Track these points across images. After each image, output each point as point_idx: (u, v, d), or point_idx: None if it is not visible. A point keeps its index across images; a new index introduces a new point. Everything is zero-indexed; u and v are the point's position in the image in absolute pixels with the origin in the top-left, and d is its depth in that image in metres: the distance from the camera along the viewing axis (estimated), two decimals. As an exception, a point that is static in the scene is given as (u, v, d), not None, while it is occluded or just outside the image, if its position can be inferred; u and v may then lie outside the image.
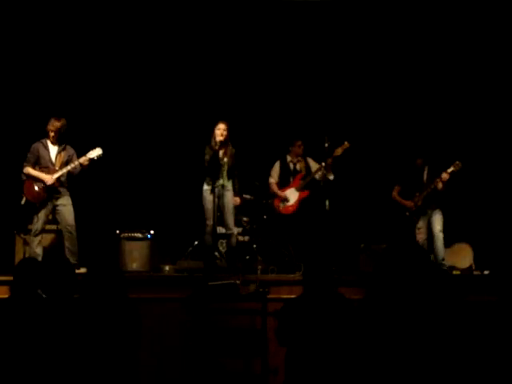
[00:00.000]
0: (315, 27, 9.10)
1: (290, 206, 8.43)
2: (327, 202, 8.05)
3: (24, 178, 7.50)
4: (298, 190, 8.45)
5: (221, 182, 7.68)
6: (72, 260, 7.17)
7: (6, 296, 4.59)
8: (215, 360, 5.90)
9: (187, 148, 8.74)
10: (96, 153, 7.45)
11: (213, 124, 7.72)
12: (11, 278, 4.56)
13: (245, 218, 8.85)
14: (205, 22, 9.06)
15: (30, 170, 7.46)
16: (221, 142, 7.59)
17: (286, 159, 8.58)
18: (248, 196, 8.69)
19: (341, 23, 9.11)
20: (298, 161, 8.52)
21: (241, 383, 6.00)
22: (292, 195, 8.44)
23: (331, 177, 8.12)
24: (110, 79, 9.15)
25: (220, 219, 7.81)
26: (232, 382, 6.01)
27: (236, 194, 8.04)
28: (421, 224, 7.90)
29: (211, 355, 5.87)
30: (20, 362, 4.12)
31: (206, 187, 7.70)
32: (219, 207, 7.67)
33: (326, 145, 8.05)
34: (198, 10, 8.98)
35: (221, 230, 8.01)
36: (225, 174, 7.70)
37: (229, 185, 7.76)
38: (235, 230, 8.02)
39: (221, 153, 7.62)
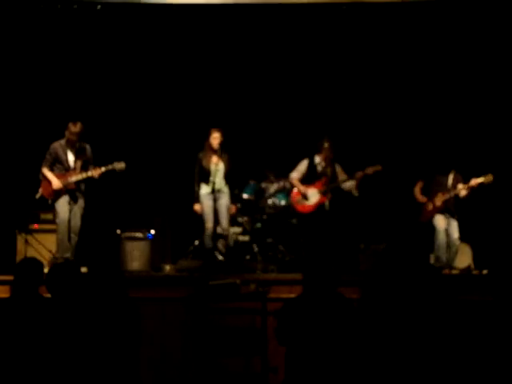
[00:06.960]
0: (322, 28, 9.08)
1: (308, 205, 8.17)
2: (327, 202, 8.06)
3: (41, 178, 7.50)
4: (321, 193, 8.13)
5: (217, 186, 7.94)
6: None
7: (7, 296, 4.61)
8: (215, 359, 5.91)
9: (188, 148, 8.75)
10: (119, 165, 7.49)
11: (212, 125, 7.90)
12: (12, 278, 4.58)
13: (245, 218, 8.86)
14: (203, 28, 9.05)
15: (45, 172, 7.46)
16: (217, 149, 7.87)
17: (314, 160, 8.22)
18: (248, 196, 8.71)
19: (348, 24, 9.06)
20: (328, 164, 8.15)
21: (241, 382, 6.02)
22: (313, 196, 8.14)
23: (356, 193, 8.10)
24: (110, 82, 9.17)
25: (216, 221, 8.06)
26: (232, 381, 6.03)
27: (230, 201, 8.16)
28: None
29: (211, 354, 5.88)
30: (20, 362, 4.13)
31: (203, 191, 8.02)
32: (215, 210, 7.99)
33: (326, 145, 8.06)
34: (194, 17, 8.97)
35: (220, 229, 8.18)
36: (221, 179, 8.01)
37: (225, 189, 8.08)
38: (230, 231, 8.30)
39: (215, 159, 7.88)
